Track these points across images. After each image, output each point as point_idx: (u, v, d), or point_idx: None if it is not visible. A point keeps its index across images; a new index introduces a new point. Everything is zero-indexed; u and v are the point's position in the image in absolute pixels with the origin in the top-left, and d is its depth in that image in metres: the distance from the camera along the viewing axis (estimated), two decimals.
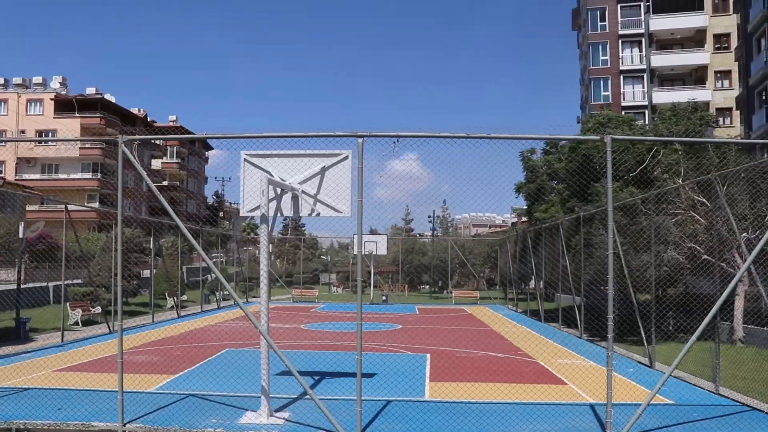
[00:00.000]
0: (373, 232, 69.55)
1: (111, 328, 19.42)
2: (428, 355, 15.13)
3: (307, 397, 10.34)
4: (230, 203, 72.76)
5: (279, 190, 10.04)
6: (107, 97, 53.25)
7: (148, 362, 13.56)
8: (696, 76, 44.06)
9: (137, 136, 8.49)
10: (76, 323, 21.35)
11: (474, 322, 24.68)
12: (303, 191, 9.92)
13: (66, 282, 29.85)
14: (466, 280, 51.38)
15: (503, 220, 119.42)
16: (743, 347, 17.09)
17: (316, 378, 12.04)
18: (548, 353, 15.99)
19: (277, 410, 9.36)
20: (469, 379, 12.10)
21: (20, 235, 17.79)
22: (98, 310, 22.92)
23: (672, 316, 20.73)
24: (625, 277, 16.88)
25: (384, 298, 35.88)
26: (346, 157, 9.90)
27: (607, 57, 45.60)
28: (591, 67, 46.34)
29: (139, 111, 57.62)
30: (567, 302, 27.28)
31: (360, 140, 8.53)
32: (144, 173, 8.56)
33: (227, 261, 44.89)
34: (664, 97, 43.57)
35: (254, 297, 37.81)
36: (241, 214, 10.45)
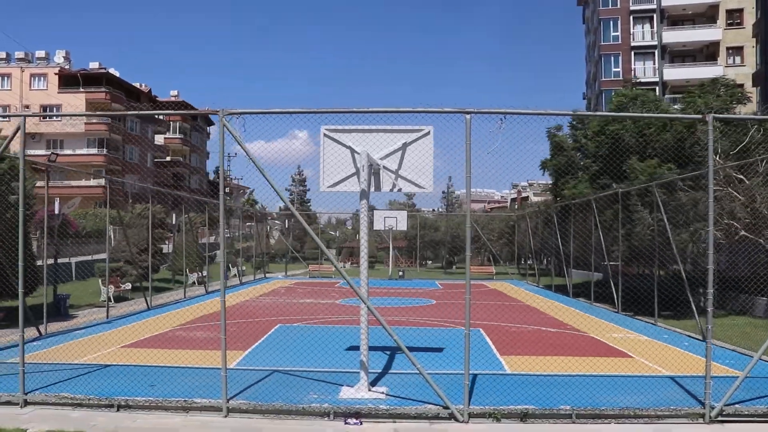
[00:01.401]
0: (371, 208, 69.65)
1: (149, 305, 19.36)
2: (481, 330, 15.23)
3: (393, 371, 10.44)
4: (233, 179, 72.36)
5: (361, 166, 9.99)
6: (111, 71, 52.40)
7: (210, 338, 13.54)
8: (707, 53, 43.99)
9: (238, 111, 8.33)
10: (109, 299, 21.22)
11: (502, 297, 24.82)
12: (385, 166, 9.88)
13: (88, 258, 29.85)
14: (475, 255, 51.74)
15: (502, 196, 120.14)
16: None
17: (387, 353, 12.08)
18: (596, 328, 16.11)
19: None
20: (536, 352, 12.20)
21: (56, 211, 17.56)
22: (128, 286, 22.85)
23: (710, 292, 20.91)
24: (668, 253, 17.03)
25: (401, 273, 35.98)
26: (428, 133, 9.85)
27: (618, 33, 45.39)
28: (602, 43, 46.13)
29: (140, 86, 56.77)
30: (584, 278, 27.50)
31: (468, 117, 8.48)
32: (246, 149, 8.43)
33: (233, 237, 44.79)
34: (675, 73, 43.60)
35: (269, 273, 37.86)
36: (320, 190, 10.33)
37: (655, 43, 44.44)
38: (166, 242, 32.04)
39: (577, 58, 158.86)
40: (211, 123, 69.21)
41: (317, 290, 27.30)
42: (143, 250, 24.12)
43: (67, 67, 51.54)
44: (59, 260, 27.41)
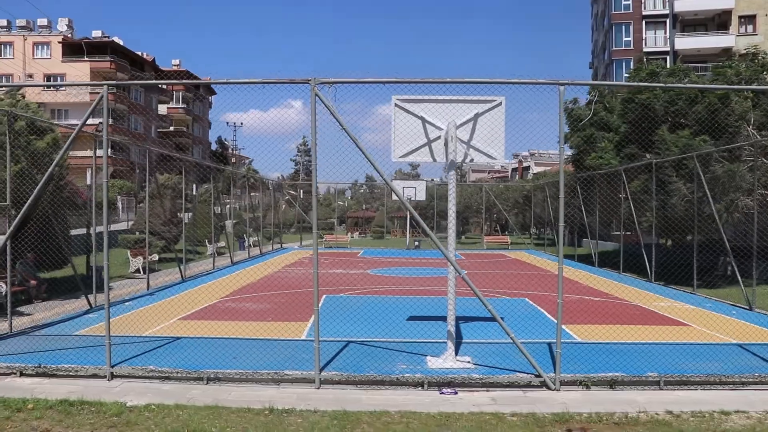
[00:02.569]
0: (369, 179, 69.65)
1: (183, 276, 19.29)
2: (527, 299, 15.31)
3: (468, 341, 10.46)
4: (236, 149, 71.76)
5: (450, 136, 9.90)
6: (115, 40, 51.43)
7: (263, 309, 13.54)
8: (719, 21, 43.62)
9: (331, 79, 8.16)
10: (138, 271, 21.15)
11: (527, 266, 24.95)
12: (458, 137, 9.78)
13: (111, 228, 29.58)
14: (477, 226, 51.93)
15: (502, 166, 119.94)
16: None
17: (437, 324, 12.08)
18: (637, 297, 16.21)
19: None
20: (595, 321, 12.27)
21: (87, 182, 17.37)
22: (155, 257, 22.75)
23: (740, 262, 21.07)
24: (702, 223, 17.07)
25: (417, 243, 36.03)
26: (500, 104, 9.80)
27: (630, 2, 44.92)
28: (613, 12, 45.65)
29: (143, 55, 55.77)
30: (601, 248, 27.64)
31: (562, 88, 8.38)
32: (338, 118, 8.28)
33: (240, 206, 44.62)
34: (686, 42, 43.27)
35: (285, 244, 37.77)
36: (393, 160, 10.27)
37: (667, 11, 44.04)
38: (186, 213, 31.81)
39: (579, 29, 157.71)
40: (212, 92, 68.39)
41: (341, 261, 27.30)
42: (168, 221, 24.01)
43: (69, 35, 50.53)
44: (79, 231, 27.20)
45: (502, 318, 12.63)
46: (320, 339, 10.38)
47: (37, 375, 8.46)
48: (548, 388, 8.27)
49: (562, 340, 10.51)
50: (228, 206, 42.76)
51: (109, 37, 51.20)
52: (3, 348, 9.54)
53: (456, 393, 8.06)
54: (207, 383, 8.24)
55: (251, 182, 35.22)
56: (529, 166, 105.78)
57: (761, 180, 18.15)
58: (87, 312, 13.06)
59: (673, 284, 18.66)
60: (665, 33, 44.22)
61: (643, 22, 44.63)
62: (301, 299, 14.99)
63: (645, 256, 19.80)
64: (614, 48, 45.25)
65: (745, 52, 22.55)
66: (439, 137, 9.86)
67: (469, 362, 9.02)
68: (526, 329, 11.17)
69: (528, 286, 18.37)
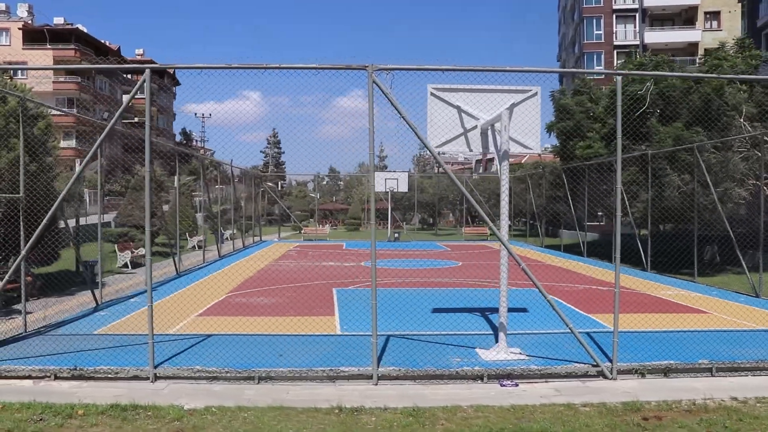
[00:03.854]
0: (332, 170, 69.20)
1: (178, 270, 18.66)
2: (532, 290, 15.30)
3: (512, 332, 10.32)
4: (202, 140, 70.07)
5: (468, 126, 9.74)
6: (79, 27, 49.40)
7: (278, 304, 13.15)
8: (686, 17, 44.68)
9: (389, 66, 7.86)
10: (125, 265, 20.41)
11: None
12: (492, 127, 9.64)
13: (88, 222, 28.41)
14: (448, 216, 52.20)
15: (465, 158, 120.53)
16: None
17: (463, 316, 11.97)
18: (641, 285, 16.40)
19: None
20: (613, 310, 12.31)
21: (76, 172, 16.56)
22: (142, 251, 21.98)
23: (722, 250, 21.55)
24: (702, 213, 17.36)
25: (396, 235, 35.86)
26: (536, 93, 9.75)
27: None
28: (584, 6, 46.23)
29: (107, 43, 53.72)
30: (577, 239, 27.99)
31: (619, 78, 8.26)
32: (396, 105, 7.99)
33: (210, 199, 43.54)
34: (655, 37, 44.20)
35: (264, 236, 37.05)
36: (429, 145, 10.05)
37: (636, 6, 44.85)
38: (167, 205, 30.92)
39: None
40: (177, 83, 66.56)
41: (330, 253, 26.92)
42: (151, 214, 23.20)
43: (30, 21, 48.36)
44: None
45: (526, 309, 12.70)
46: (358, 333, 10.20)
47: (73, 378, 7.97)
48: (605, 377, 8.22)
49: (596, 330, 10.61)
50: (200, 199, 41.80)
51: (72, 25, 49.24)
52: (25, 350, 8.96)
53: (517, 385, 7.93)
54: (258, 383, 7.89)
55: (228, 174, 34.37)
56: (494, 158, 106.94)
57: (753, 170, 18.61)
58: (95, 309, 12.43)
59: (667, 273, 18.98)
60: (635, 27, 45.06)
61: (614, 16, 45.39)
62: (311, 293, 14.65)
63: (640, 245, 20.07)
64: (585, 41, 45.87)
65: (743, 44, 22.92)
66: (475, 127, 9.71)
67: (520, 353, 8.89)
68: (550, 319, 11.12)
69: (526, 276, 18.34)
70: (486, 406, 7.19)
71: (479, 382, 8.04)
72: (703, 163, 18.45)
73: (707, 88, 19.61)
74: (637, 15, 44.87)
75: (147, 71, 7.86)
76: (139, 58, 59.71)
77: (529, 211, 33.67)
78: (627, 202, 21.15)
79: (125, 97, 56.64)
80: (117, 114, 8.36)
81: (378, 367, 8.04)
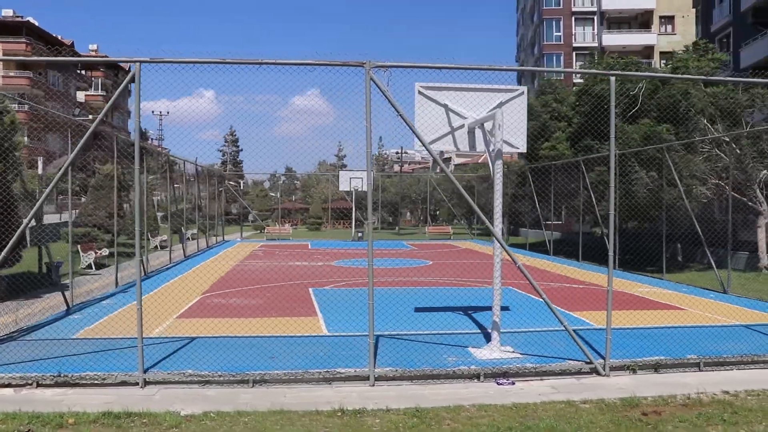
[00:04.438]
0: (288, 170, 68.66)
1: (146, 271, 18.15)
2: (513, 288, 15.41)
3: (506, 331, 10.34)
4: (160, 139, 68.40)
5: (455, 125, 9.73)
6: (30, 20, 47.53)
7: (256, 305, 12.88)
8: (642, 20, 45.89)
9: (387, 63, 7.76)
10: (89, 266, 19.74)
11: (482, 256, 25.19)
12: (480, 126, 9.66)
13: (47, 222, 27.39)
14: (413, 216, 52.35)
15: (422, 157, 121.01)
16: None
17: (447, 314, 11.98)
18: (615, 284, 16.65)
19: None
20: (598, 307, 12.48)
21: (39, 171, 15.99)
22: (106, 252, 21.33)
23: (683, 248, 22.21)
24: (672, 210, 17.80)
25: (360, 235, 35.72)
26: (522, 93, 9.87)
27: None
28: (544, 8, 46.98)
29: (60, 38, 51.85)
30: (539, 237, 28.46)
31: (612, 78, 8.35)
32: (393, 103, 7.90)
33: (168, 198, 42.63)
34: (612, 39, 45.26)
35: (226, 236, 36.42)
36: (415, 148, 10.03)
37: (595, 9, 45.83)
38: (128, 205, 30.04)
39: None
40: (132, 80, 64.68)
41: (296, 253, 26.64)
42: (112, 214, 22.51)
43: None
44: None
45: (508, 306, 12.77)
46: (349, 334, 10.07)
47: (57, 385, 7.60)
48: (598, 374, 8.32)
49: (581, 327, 10.72)
50: (158, 197, 40.75)
51: (22, 17, 47.38)
52: (1, 356, 8.53)
53: (513, 384, 7.94)
54: (253, 386, 7.69)
55: (188, 172, 33.67)
56: (450, 157, 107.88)
57: (715, 170, 19.20)
58: (68, 313, 11.94)
59: (633, 270, 19.41)
60: (593, 29, 46.03)
61: (573, 18, 46.26)
62: (288, 293, 14.43)
63: (607, 243, 20.38)
64: (545, 42, 46.63)
65: (701, 46, 23.55)
66: (462, 126, 9.71)
67: (513, 352, 8.92)
68: (534, 317, 11.25)
69: (506, 275, 18.45)
70: (488, 405, 7.17)
71: (476, 381, 8.03)
72: (670, 161, 18.97)
73: (673, 89, 20.10)
74: (596, 18, 45.88)
75: (137, 65, 7.56)
76: (93, 54, 57.98)
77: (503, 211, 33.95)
78: (595, 202, 21.57)
79: (79, 95, 55.03)
80: (102, 112, 8.01)
81: (375, 368, 7.94)
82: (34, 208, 8.20)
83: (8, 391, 7.50)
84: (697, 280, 17.45)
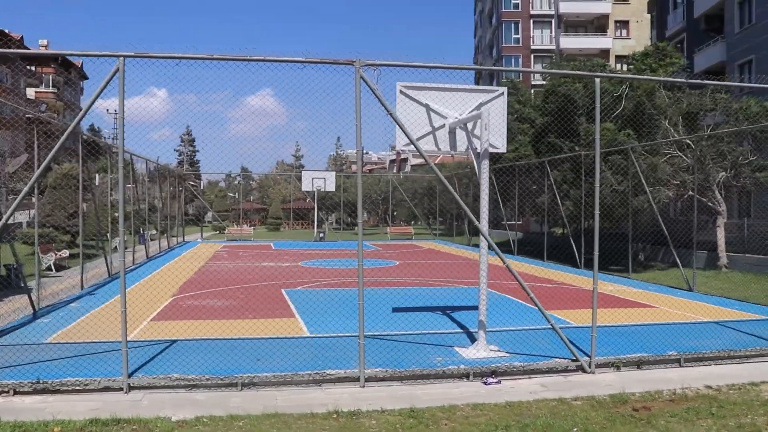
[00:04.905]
0: (243, 170, 67.85)
1: (111, 273, 17.60)
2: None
3: (492, 329, 10.40)
4: (108, 138, 66.34)
5: (436, 125, 9.76)
6: None
7: (231, 307, 12.63)
8: (598, 24, 46.97)
9: (376, 62, 7.69)
10: (49, 268, 19.07)
11: (447, 256, 25.43)
12: (462, 126, 9.72)
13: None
14: (371, 216, 52.34)
15: (378, 158, 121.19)
16: (728, 272, 19.36)
17: (425, 314, 12.00)
18: (581, 282, 17.04)
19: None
20: (571, 306, 12.72)
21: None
22: (66, 253, 20.64)
23: (647, 248, 22.82)
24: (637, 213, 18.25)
25: (321, 235, 35.52)
26: (502, 94, 9.96)
27: (518, 1, 47.11)
28: (503, 10, 47.61)
29: (8, 32, 49.73)
30: (502, 237, 28.85)
31: (597, 80, 8.47)
32: (382, 101, 7.84)
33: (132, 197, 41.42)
34: (570, 42, 46.17)
35: (185, 237, 35.67)
36: (397, 148, 10.03)
37: (552, 12, 46.68)
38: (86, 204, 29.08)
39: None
40: (85, 77, 62.84)
41: (261, 254, 26.31)
42: (73, 214, 21.86)
43: None
44: None
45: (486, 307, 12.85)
46: (332, 335, 9.98)
47: (36, 392, 7.29)
48: (584, 371, 8.45)
49: (560, 326, 10.85)
50: (114, 197, 39.53)
51: None
52: None
53: (499, 382, 8.00)
54: (242, 389, 7.53)
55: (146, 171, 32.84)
56: (407, 158, 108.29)
57: (678, 173, 19.75)
58: (34, 317, 11.46)
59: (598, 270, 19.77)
60: (551, 32, 46.88)
61: (531, 21, 47.01)
62: (260, 294, 14.20)
63: (573, 243, 20.84)
64: (504, 45, 47.25)
65: (659, 50, 24.16)
66: (443, 126, 9.73)
67: (498, 351, 8.98)
68: (512, 316, 11.39)
69: (469, 274, 18.63)
70: (482, 404, 7.19)
71: (465, 380, 8.04)
72: (637, 165, 19.40)
73: (639, 91, 20.56)
74: (553, 21, 46.75)
75: (121, 59, 7.30)
76: (43, 49, 55.88)
77: (455, 211, 34.30)
78: (559, 201, 21.95)
79: (30, 90, 53.01)
80: (83, 111, 7.70)
81: (364, 368, 7.87)
82: (12, 207, 7.84)
83: None
84: (661, 279, 17.94)
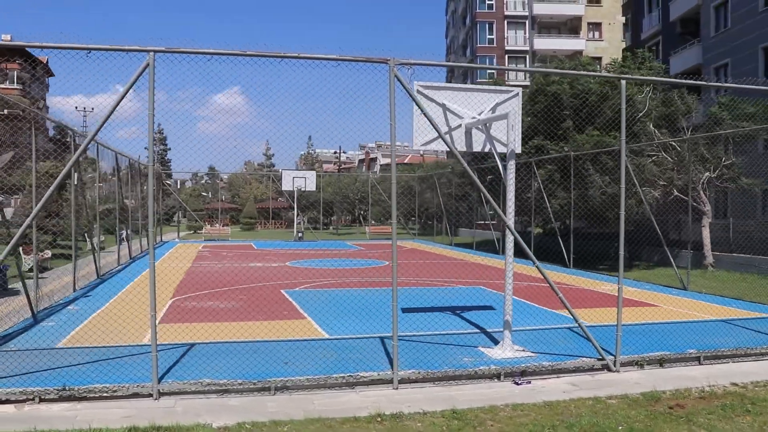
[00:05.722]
0: (211, 169, 66.98)
1: (99, 274, 17.14)
2: (484, 287, 15.62)
3: (518, 329, 10.40)
4: (82, 135, 64.46)
5: (453, 124, 9.76)
6: None
7: (235, 308, 12.39)
8: (571, 26, 47.66)
9: (411, 61, 7.62)
10: (31, 269, 18.43)
11: (431, 255, 25.43)
12: (479, 126, 9.74)
13: None
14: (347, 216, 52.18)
15: (348, 157, 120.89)
16: (714, 271, 19.81)
17: (436, 315, 11.98)
18: (576, 282, 17.23)
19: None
20: (576, 305, 12.73)
21: None
22: (48, 254, 20.02)
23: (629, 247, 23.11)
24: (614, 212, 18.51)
25: (300, 235, 35.22)
26: (517, 94, 10.01)
27: (493, 1, 47.48)
28: (477, 11, 47.93)
29: None
30: (478, 237, 29.04)
31: (622, 82, 8.55)
32: (416, 100, 7.78)
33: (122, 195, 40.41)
34: (543, 43, 46.76)
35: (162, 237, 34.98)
36: (414, 147, 10.02)
37: (526, 13, 47.19)
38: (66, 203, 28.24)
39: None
40: (51, 74, 61.02)
41: (245, 254, 25.97)
42: (54, 213, 21.24)
43: None
44: None
45: (492, 306, 12.87)
46: (349, 337, 9.86)
47: (62, 399, 7.01)
48: (609, 370, 8.52)
49: (571, 325, 10.94)
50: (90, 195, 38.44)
51: None
52: None
53: (530, 382, 8.01)
54: (275, 393, 7.38)
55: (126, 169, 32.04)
56: (376, 157, 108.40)
57: (664, 173, 20.12)
58: (36, 320, 11.05)
59: (585, 269, 20.05)
60: (525, 33, 47.37)
61: (505, 21, 47.43)
62: (261, 295, 13.98)
63: (562, 243, 21.07)
64: (478, 45, 47.57)
65: (638, 55, 24.55)
66: (459, 126, 9.72)
67: (524, 351, 8.99)
68: (520, 316, 11.45)
69: (460, 274, 18.73)
70: (521, 404, 7.19)
71: (496, 380, 8.03)
72: (629, 165, 19.64)
73: (617, 99, 20.81)
74: (527, 22, 47.26)
75: (151, 54, 7.07)
76: (6, 43, 53.79)
77: (436, 210, 34.39)
78: (547, 200, 22.17)
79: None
80: (110, 110, 7.42)
81: (398, 370, 7.80)
82: (36, 208, 7.53)
83: (9, 408, 6.86)
84: (650, 278, 18.25)
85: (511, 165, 8.98)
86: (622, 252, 9.10)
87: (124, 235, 30.37)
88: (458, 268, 20.39)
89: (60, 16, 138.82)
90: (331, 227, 48.21)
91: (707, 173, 19.81)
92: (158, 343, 9.30)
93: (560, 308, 12.42)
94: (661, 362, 8.81)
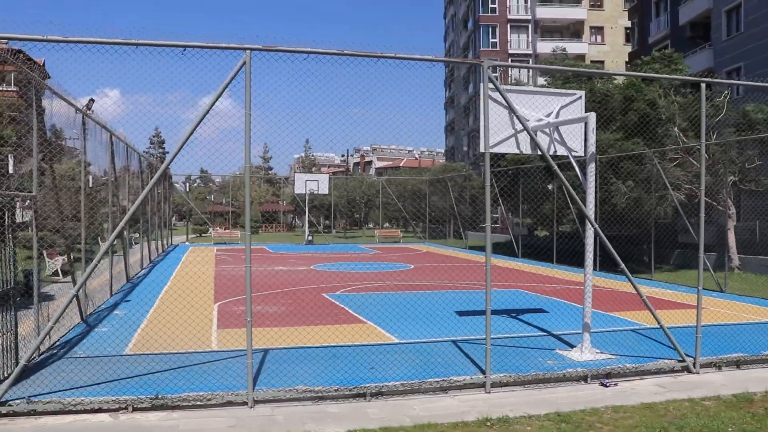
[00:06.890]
0: (203, 172, 66.64)
1: (129, 278, 16.93)
2: (520, 290, 15.61)
3: (596, 331, 10.36)
4: (68, 138, 63.98)
5: (519, 127, 9.73)
6: None
7: (287, 313, 12.22)
8: (573, 30, 47.93)
9: (503, 63, 7.59)
10: (56, 273, 18.24)
11: (450, 259, 25.43)
12: (545, 129, 9.73)
13: None
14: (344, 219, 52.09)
15: (342, 160, 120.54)
16: (741, 273, 19.91)
17: (494, 318, 11.92)
18: (609, 284, 17.24)
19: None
20: (622, 308, 12.82)
21: (10, 170, 14.53)
22: (65, 258, 19.74)
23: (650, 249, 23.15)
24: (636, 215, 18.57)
25: (310, 238, 35.06)
26: (580, 97, 10.03)
27: (496, 5, 47.65)
28: (480, 14, 48.06)
29: None
30: (494, 240, 29.06)
31: (703, 85, 8.55)
32: (507, 100, 7.74)
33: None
34: (546, 47, 46.87)
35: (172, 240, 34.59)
36: (481, 150, 9.95)
37: (530, 17, 47.39)
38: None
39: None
40: (48, 76, 60.44)
41: (264, 258, 25.76)
42: (72, 217, 20.89)
43: None
44: None
45: (545, 309, 12.85)
46: (415, 341, 9.78)
47: (155, 408, 6.85)
48: (689, 371, 8.52)
49: (633, 328, 10.96)
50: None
51: None
52: (61, 379, 7.50)
53: (617, 384, 7.98)
54: (370, 399, 7.27)
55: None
56: (372, 161, 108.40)
57: (687, 177, 20.19)
58: (89, 326, 10.85)
59: (610, 271, 20.06)
60: (528, 37, 47.57)
61: (508, 25, 47.60)
62: (305, 299, 13.82)
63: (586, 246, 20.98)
64: (482, 48, 47.71)
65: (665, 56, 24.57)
66: (522, 130, 9.70)
67: (602, 353, 8.96)
68: (558, 319, 11.44)
69: (498, 278, 18.68)
70: (619, 406, 7.15)
71: (583, 383, 8.00)
72: (645, 171, 19.71)
73: (641, 103, 20.85)
74: (530, 26, 47.46)
75: (248, 52, 6.96)
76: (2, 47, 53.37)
77: (450, 213, 34.36)
78: (571, 204, 22.16)
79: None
80: (206, 110, 7.28)
81: (490, 374, 7.73)
82: (124, 217, 7.37)
83: (104, 417, 6.70)
84: (677, 279, 18.30)
85: (591, 168, 8.95)
86: (701, 255, 9.06)
87: (133, 240, 30.09)
88: (484, 271, 20.33)
89: (60, 16, 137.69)
90: (333, 230, 48.03)
91: (732, 177, 19.90)
92: (229, 349, 9.23)
93: (613, 311, 12.48)
94: (738, 364, 8.81)
